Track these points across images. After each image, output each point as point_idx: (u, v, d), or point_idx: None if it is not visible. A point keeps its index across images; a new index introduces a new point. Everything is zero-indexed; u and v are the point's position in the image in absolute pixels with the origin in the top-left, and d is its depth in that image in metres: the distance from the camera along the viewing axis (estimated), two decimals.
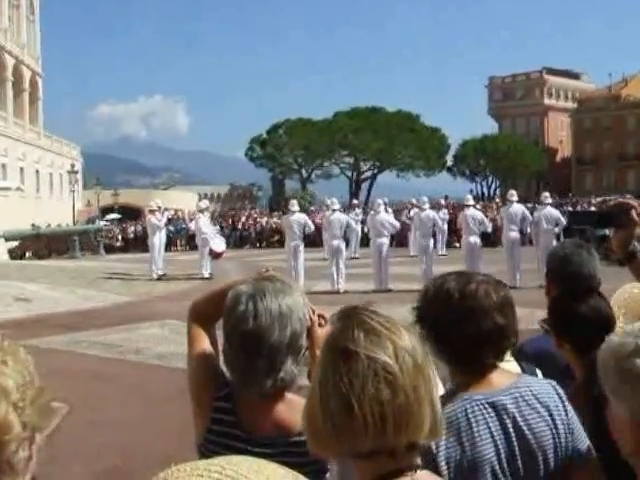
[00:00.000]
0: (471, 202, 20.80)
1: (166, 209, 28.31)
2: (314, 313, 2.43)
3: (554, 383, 2.34)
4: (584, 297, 2.93)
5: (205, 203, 25.34)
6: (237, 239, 45.50)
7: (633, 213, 2.72)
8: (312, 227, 21.03)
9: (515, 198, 19.91)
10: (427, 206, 21.05)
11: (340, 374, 1.48)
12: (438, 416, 1.52)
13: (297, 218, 20.26)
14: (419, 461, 1.54)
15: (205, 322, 2.53)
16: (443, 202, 35.65)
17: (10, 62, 58.22)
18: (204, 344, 2.50)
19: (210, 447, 2.30)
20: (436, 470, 1.94)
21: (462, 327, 2.20)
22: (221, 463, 1.14)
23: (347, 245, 23.04)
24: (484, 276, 2.39)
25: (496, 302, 2.25)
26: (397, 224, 20.65)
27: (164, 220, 24.37)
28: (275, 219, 45.26)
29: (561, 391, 2.31)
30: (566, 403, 2.28)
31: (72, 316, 15.47)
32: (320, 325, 2.42)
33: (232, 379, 2.34)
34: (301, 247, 19.99)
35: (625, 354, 1.63)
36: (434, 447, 2.03)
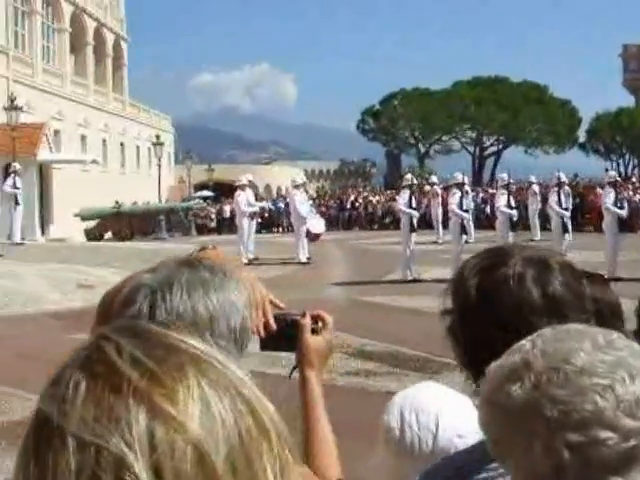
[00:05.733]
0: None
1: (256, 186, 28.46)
2: (304, 315, 1.96)
3: None
4: None
5: (302, 178, 24.81)
6: (345, 220, 45.12)
7: None
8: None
9: None
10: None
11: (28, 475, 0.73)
12: None
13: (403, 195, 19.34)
14: None
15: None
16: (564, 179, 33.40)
17: (91, 25, 57.96)
18: None
19: None
20: None
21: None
22: None
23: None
24: (548, 252, 1.73)
25: (537, 299, 1.58)
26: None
27: (255, 207, 24.12)
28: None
29: None
30: None
31: None
32: (315, 332, 1.96)
33: None
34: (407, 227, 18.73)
35: (501, 381, 1.11)
36: None
